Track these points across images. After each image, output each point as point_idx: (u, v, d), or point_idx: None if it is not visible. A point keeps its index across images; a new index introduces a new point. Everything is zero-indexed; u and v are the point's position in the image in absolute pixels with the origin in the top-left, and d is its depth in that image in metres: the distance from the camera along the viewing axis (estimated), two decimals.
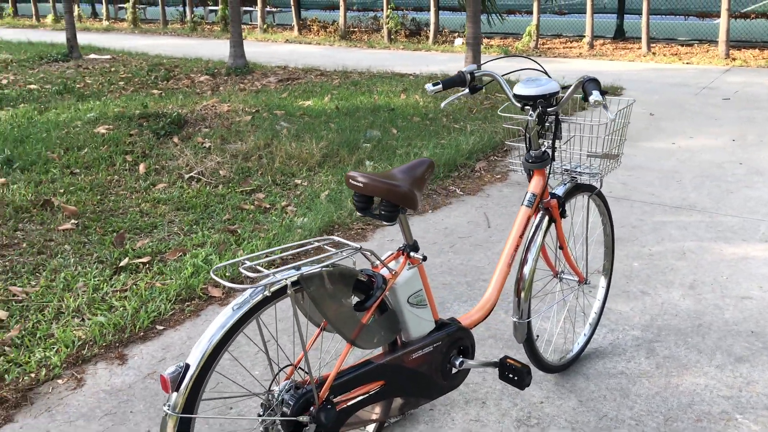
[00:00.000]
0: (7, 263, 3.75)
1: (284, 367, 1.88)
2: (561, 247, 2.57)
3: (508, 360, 2.25)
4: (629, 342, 2.95)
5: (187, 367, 1.62)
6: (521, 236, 2.37)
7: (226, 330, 1.65)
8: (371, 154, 5.61)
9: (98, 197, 4.75)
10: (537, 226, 2.44)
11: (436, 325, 2.14)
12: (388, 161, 5.40)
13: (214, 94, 8.27)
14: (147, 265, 3.76)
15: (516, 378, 2.23)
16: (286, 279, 1.70)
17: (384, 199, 1.90)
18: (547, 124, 2.34)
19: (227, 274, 3.59)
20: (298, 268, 1.74)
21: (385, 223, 1.94)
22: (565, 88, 2.32)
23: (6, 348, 2.92)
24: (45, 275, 3.63)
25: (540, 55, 13.08)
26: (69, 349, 2.90)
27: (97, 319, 3.17)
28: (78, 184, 4.93)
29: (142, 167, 5.31)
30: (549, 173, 2.41)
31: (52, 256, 3.86)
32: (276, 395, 1.80)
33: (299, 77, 9.96)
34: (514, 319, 2.44)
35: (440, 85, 2.35)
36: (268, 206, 4.62)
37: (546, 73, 2.40)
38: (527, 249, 2.42)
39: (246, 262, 1.70)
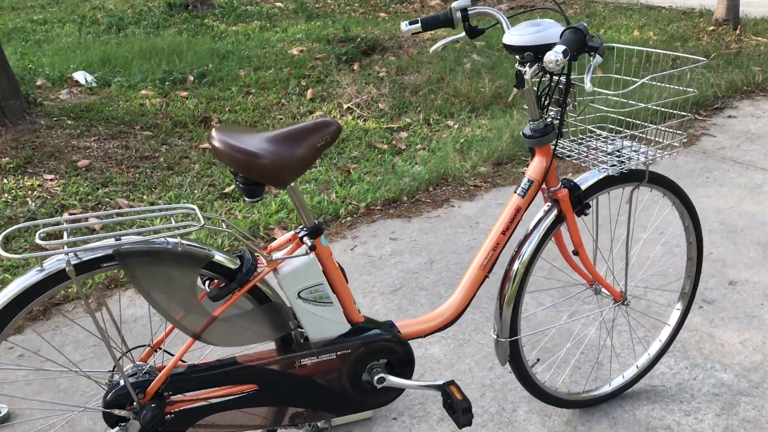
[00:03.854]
0: (136, 175, 3.96)
1: (132, 349, 1.65)
2: (576, 253, 1.95)
3: (450, 387, 1.78)
4: (707, 387, 2.22)
5: None
6: (506, 232, 1.82)
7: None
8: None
9: (255, 119, 4.82)
10: (538, 222, 1.87)
11: (352, 328, 1.74)
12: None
13: None
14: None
15: (453, 412, 1.76)
16: (84, 253, 1.44)
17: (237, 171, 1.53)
18: (550, 84, 1.73)
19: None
20: (118, 238, 1.47)
21: (247, 199, 1.57)
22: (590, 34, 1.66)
23: None
24: (157, 192, 3.77)
25: None
26: None
27: None
28: (244, 104, 5.04)
29: (309, 93, 5.28)
30: (555, 150, 1.80)
31: (178, 173, 3.99)
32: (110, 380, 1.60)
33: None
34: (493, 335, 1.92)
35: (418, 24, 1.84)
36: (403, 147, 4.31)
37: (565, 17, 1.75)
38: (521, 242, 1.87)
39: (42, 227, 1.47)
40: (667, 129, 1.83)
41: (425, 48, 6.26)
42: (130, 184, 3.85)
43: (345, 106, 5.00)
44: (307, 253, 1.62)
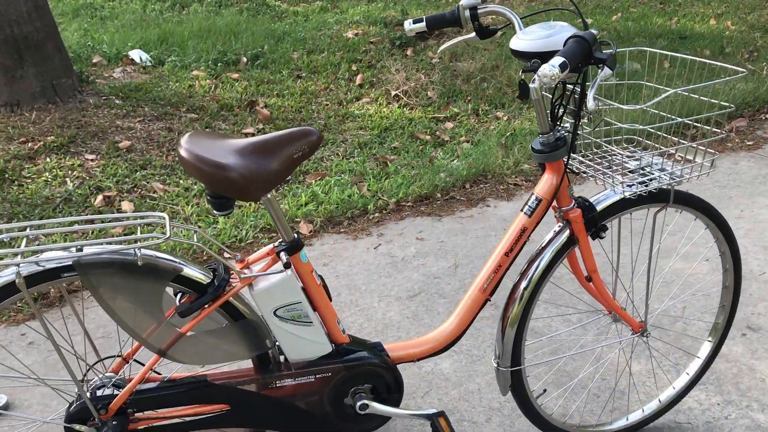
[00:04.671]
0: (176, 158, 3.94)
1: (101, 360, 1.58)
2: (589, 279, 1.77)
3: (440, 419, 1.65)
4: (739, 429, 2.01)
5: None
6: (509, 253, 1.67)
7: None
8: (615, 88, 4.67)
9: (302, 104, 4.74)
10: (548, 242, 1.70)
11: (335, 349, 1.63)
12: (625, 101, 4.44)
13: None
14: (281, 185, 3.65)
15: None
16: (44, 263, 1.38)
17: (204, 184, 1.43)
18: (564, 93, 1.56)
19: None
20: (80, 248, 1.39)
21: (217, 212, 1.47)
22: (603, 44, 1.48)
23: None
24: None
25: None
26: None
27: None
28: (292, 89, 4.97)
29: (359, 78, 5.16)
30: (566, 167, 1.63)
31: None
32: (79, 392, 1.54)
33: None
34: (494, 363, 1.78)
35: (422, 24, 1.70)
36: (447, 139, 4.15)
37: (583, 19, 1.57)
38: (530, 261, 1.72)
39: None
40: (700, 147, 1.63)
41: None
42: (168, 168, 3.84)
43: (392, 93, 4.86)
44: (282, 271, 1.51)
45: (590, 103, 1.32)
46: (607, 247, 2.71)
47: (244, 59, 5.49)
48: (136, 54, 5.53)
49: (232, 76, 5.18)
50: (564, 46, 1.39)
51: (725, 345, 2.35)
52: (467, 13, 1.67)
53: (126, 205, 3.39)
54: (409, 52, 5.58)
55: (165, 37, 6.05)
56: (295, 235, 1.55)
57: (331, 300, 1.63)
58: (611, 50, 1.40)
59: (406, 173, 3.62)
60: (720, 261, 1.94)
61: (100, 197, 3.44)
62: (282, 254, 1.52)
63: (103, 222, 1.62)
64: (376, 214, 3.27)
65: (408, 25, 1.72)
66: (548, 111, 1.61)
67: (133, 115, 4.41)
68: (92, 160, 3.88)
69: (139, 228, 1.48)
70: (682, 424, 2.04)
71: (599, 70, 1.38)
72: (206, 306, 1.48)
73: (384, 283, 2.75)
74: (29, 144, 3.89)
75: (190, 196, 3.53)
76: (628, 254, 2.69)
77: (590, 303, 2.42)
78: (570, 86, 1.57)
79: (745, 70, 1.55)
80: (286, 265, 1.50)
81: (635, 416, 2.01)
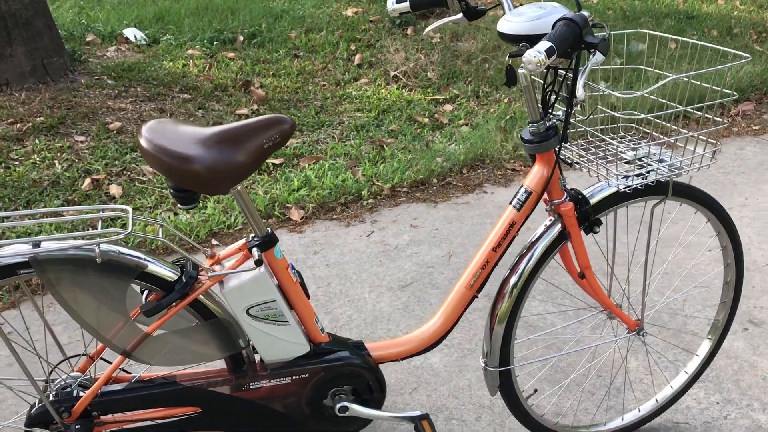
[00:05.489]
0: None
1: (65, 360, 1.51)
2: (583, 276, 1.68)
3: (423, 422, 1.58)
4: (738, 430, 1.93)
5: None
6: (497, 249, 1.58)
7: None
8: (612, 73, 4.54)
9: (298, 84, 4.64)
10: (539, 237, 1.62)
11: (313, 349, 1.55)
12: (626, 85, 4.32)
13: None
14: (275, 168, 3.56)
15: None
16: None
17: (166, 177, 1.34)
18: (556, 79, 1.47)
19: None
20: (37, 243, 1.31)
21: (180, 206, 1.38)
22: (597, 27, 1.38)
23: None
24: None
25: None
26: None
27: (180, 217, 3.09)
28: (289, 69, 4.86)
29: (357, 58, 5.04)
30: (558, 157, 1.53)
31: None
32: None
33: None
34: (482, 362, 1.70)
35: (406, 3, 1.60)
36: (446, 122, 4.05)
37: (577, 1, 1.46)
38: (521, 255, 1.63)
39: None
40: (701, 137, 1.53)
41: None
42: None
43: (391, 74, 4.75)
44: (253, 268, 1.42)
45: (579, 92, 1.22)
46: (602, 242, 2.62)
47: (241, 38, 5.38)
48: (130, 32, 5.42)
49: (228, 55, 5.07)
50: (552, 29, 1.29)
51: (726, 340, 2.27)
52: None
53: (114, 189, 3.31)
54: (409, 31, 5.46)
55: (161, 14, 5.93)
56: (269, 229, 1.46)
57: (309, 297, 1.55)
58: (604, 33, 1.30)
59: (402, 157, 3.53)
60: (721, 255, 1.84)
61: (87, 180, 3.36)
62: (254, 250, 1.43)
63: (62, 215, 1.53)
64: (370, 200, 3.18)
65: (391, 4, 1.62)
66: (539, 98, 1.51)
67: (125, 95, 4.32)
68: (82, 141, 3.80)
69: (100, 222, 1.39)
70: (679, 424, 1.96)
71: (590, 56, 1.28)
72: (173, 305, 1.40)
73: (375, 273, 2.66)
74: (18, 125, 3.81)
75: None
76: (625, 247, 2.59)
77: (584, 299, 2.33)
78: (562, 72, 1.47)
79: (748, 56, 1.44)
80: (258, 262, 1.41)
81: (631, 416, 1.93)
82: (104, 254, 1.32)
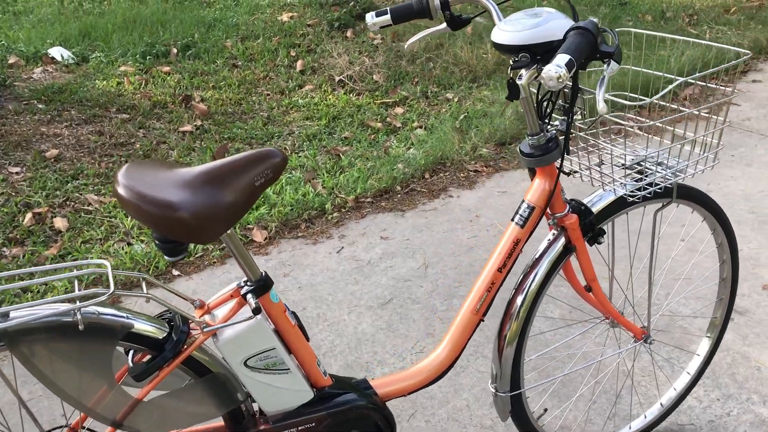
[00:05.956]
0: (110, 165, 3.64)
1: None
2: (589, 289, 1.62)
3: None
4: (743, 426, 1.91)
5: None
6: (503, 269, 1.50)
7: None
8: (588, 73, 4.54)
9: (241, 95, 4.47)
10: (543, 253, 1.54)
11: (317, 395, 1.44)
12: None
13: None
14: None
15: None
16: None
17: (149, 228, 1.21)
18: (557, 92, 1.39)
19: None
20: (5, 314, 1.15)
21: (167, 258, 1.25)
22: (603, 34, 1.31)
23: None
24: None
25: None
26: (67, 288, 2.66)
27: (134, 247, 2.91)
28: (229, 79, 4.69)
29: (299, 64, 4.91)
30: (560, 170, 1.46)
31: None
32: None
33: None
34: (491, 388, 1.62)
35: (387, 16, 1.50)
36: (399, 125, 3.96)
37: (572, 6, 1.39)
38: (525, 273, 1.56)
39: None
40: (707, 137, 1.47)
41: None
42: (102, 176, 3.54)
43: (336, 79, 4.63)
44: (250, 317, 1.30)
45: (600, 105, 1.14)
46: (601, 248, 2.57)
47: (175, 50, 5.16)
48: (56, 51, 5.14)
49: (163, 69, 4.86)
50: (564, 39, 1.21)
51: (703, 325, 2.25)
52: (437, 1, 1.48)
53: (59, 222, 3.10)
54: (349, 33, 5.35)
55: (87, 31, 5.65)
56: (263, 272, 1.34)
57: (308, 340, 1.43)
58: (616, 42, 1.22)
59: (361, 166, 3.42)
60: (717, 253, 1.81)
61: (29, 215, 3.14)
62: (249, 297, 1.31)
63: (31, 277, 1.36)
64: (335, 214, 3.06)
65: (370, 18, 1.52)
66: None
67: (59, 119, 4.08)
68: (17, 173, 3.55)
69: (76, 282, 1.24)
70: (685, 427, 1.93)
71: (605, 65, 1.20)
72: (164, 366, 1.26)
73: (351, 292, 2.56)
74: None
75: None
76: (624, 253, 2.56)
77: (581, 308, 2.26)
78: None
79: (749, 52, 1.40)
80: (256, 310, 1.29)
81: (638, 423, 1.89)
82: (86, 318, 1.18)
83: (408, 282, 2.59)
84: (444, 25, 1.53)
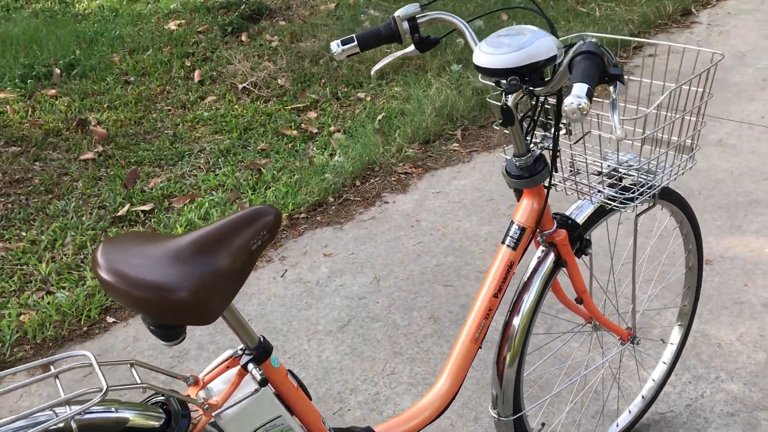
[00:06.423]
0: (8, 206, 3.33)
1: None
2: (580, 301, 1.61)
3: None
4: (719, 406, 1.96)
5: None
6: (498, 294, 1.45)
7: None
8: (462, 55, 4.55)
9: (140, 114, 4.21)
10: (534, 271, 1.50)
11: None
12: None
13: None
14: (147, 216, 3.20)
15: None
16: None
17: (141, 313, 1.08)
18: (536, 105, 1.35)
19: None
20: None
21: (162, 342, 1.12)
22: (572, 46, 1.28)
23: None
24: (37, 225, 3.18)
25: None
26: None
27: (57, 296, 2.67)
28: (124, 98, 4.40)
29: (197, 74, 4.68)
30: (549, 188, 1.42)
31: (59, 197, 3.39)
32: None
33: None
34: (493, 414, 1.57)
35: (354, 44, 1.41)
36: (315, 131, 3.84)
37: (548, 19, 1.35)
38: (519, 294, 1.51)
39: None
40: (683, 139, 1.47)
41: (316, 8, 5.72)
42: (2, 219, 3.24)
43: (240, 87, 4.45)
44: (256, 391, 1.19)
45: (618, 132, 1.10)
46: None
47: (58, 70, 4.81)
48: None
49: (49, 92, 4.51)
50: (573, 66, 1.16)
51: (673, 314, 2.31)
52: (405, 24, 1.40)
53: None
54: (243, 37, 5.16)
55: None
56: (261, 337, 1.23)
57: (311, 399, 1.33)
58: (613, 60, 1.18)
59: (287, 180, 3.30)
60: (683, 243, 1.84)
61: None
62: (250, 366, 1.19)
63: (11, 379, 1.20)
64: None
65: (336, 47, 1.42)
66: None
67: None
68: None
69: (59, 380, 1.09)
70: (665, 415, 1.96)
71: (612, 88, 1.16)
72: None
73: (306, 318, 2.45)
74: None
75: (40, 250, 3.00)
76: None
77: (566, 317, 2.23)
78: (542, 97, 1.35)
79: (722, 54, 1.40)
80: (263, 382, 1.18)
81: (624, 419, 1.91)
82: (78, 421, 1.03)
83: (363, 299, 2.51)
84: (412, 47, 1.45)
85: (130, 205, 3.24)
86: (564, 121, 1.36)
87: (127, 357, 2.38)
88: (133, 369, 1.14)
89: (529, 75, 1.24)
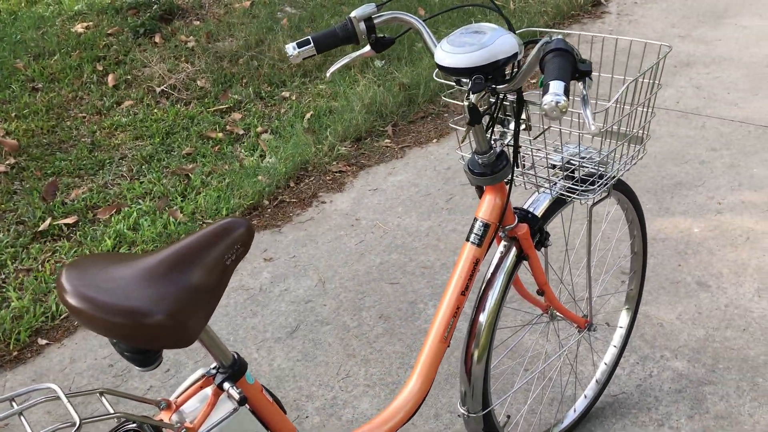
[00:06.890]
0: None
1: None
2: (541, 293, 1.63)
3: None
4: (667, 384, 2.03)
5: None
6: (465, 292, 1.45)
7: None
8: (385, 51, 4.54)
9: (53, 122, 4.00)
10: (498, 266, 1.51)
11: None
12: (409, 62, 4.33)
13: None
14: (70, 230, 3.04)
15: None
16: None
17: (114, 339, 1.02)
18: (497, 102, 1.35)
19: None
20: None
21: (137, 368, 1.06)
22: (531, 43, 1.29)
23: None
24: None
25: None
26: None
27: None
28: (33, 106, 4.18)
29: (110, 79, 4.49)
30: (511, 183, 1.43)
31: None
32: None
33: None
34: (463, 410, 1.57)
35: (311, 46, 1.38)
36: (241, 132, 3.76)
37: (505, 17, 1.36)
38: (483, 291, 1.52)
39: None
40: (640, 132, 1.50)
41: (230, 6, 5.59)
42: None
43: (158, 90, 4.30)
44: (235, 410, 1.14)
45: (592, 128, 1.11)
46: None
47: None
48: None
49: None
50: (542, 64, 1.16)
51: (613, 298, 2.37)
52: (362, 25, 1.37)
53: None
54: (157, 39, 4.98)
55: None
56: (235, 354, 1.18)
57: (285, 413, 1.29)
58: (579, 56, 1.19)
59: (218, 184, 3.20)
60: (628, 229, 1.89)
61: None
62: (226, 385, 1.14)
63: None
64: None
65: (292, 49, 1.38)
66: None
67: None
68: None
69: (23, 417, 1.01)
70: (618, 396, 2.02)
71: (582, 84, 1.17)
72: None
73: (253, 326, 2.39)
74: None
75: None
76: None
77: (523, 308, 2.25)
78: (501, 94, 1.35)
79: (670, 46, 1.44)
80: (242, 401, 1.13)
81: (581, 404, 1.95)
82: None
83: (309, 303, 2.47)
84: (368, 48, 1.42)
85: (51, 219, 3.08)
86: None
87: (64, 380, 2.26)
88: (102, 398, 1.07)
89: (492, 73, 1.24)
